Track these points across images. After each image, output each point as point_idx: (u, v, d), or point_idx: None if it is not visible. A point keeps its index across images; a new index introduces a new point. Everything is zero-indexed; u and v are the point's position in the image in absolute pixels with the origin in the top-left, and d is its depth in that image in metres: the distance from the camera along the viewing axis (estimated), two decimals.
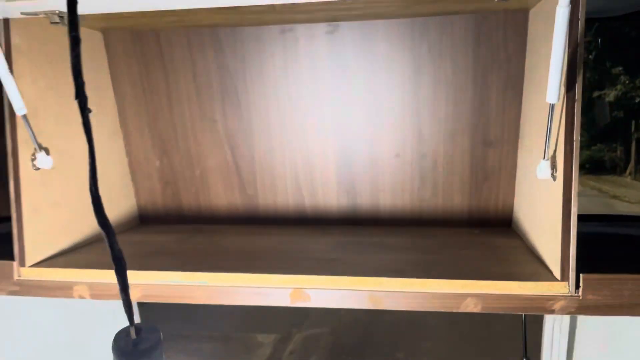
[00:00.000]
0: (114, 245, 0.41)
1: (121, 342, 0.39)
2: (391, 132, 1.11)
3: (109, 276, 0.87)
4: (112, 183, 1.17)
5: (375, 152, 1.13)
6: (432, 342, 4.31)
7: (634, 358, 1.19)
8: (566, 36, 0.68)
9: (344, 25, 1.05)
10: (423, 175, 1.13)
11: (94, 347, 1.41)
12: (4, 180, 0.93)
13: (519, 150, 1.07)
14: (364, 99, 1.10)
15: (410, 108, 1.09)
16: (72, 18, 0.37)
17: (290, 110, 1.13)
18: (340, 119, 1.12)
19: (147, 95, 1.17)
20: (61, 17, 0.86)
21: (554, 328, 1.22)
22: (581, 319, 1.22)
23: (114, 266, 0.42)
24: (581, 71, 0.74)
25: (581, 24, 0.72)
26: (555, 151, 0.78)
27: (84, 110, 0.39)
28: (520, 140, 1.06)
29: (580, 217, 0.76)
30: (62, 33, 0.96)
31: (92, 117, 1.28)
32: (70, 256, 0.97)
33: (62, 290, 0.89)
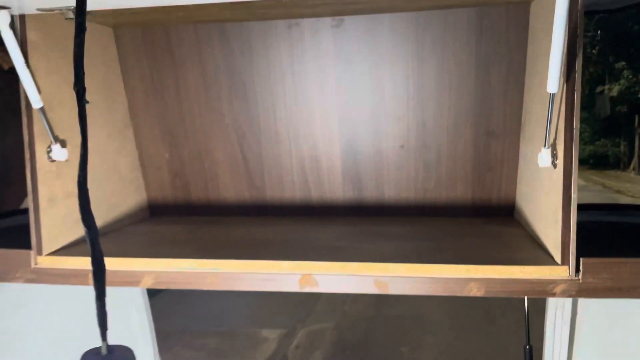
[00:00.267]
0: (95, 246, 0.38)
1: (90, 356, 0.34)
2: (395, 124, 1.13)
3: (123, 264, 0.90)
4: (123, 175, 1.20)
5: (380, 143, 1.16)
6: (435, 336, 4.34)
7: (634, 345, 1.21)
8: (566, 27, 0.70)
9: (349, 19, 1.08)
10: (427, 165, 1.15)
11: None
12: (19, 176, 0.97)
13: (521, 141, 1.09)
14: (369, 91, 1.12)
15: (414, 100, 1.11)
16: (80, 4, 0.36)
17: (297, 103, 1.15)
18: (346, 111, 1.15)
19: (156, 90, 1.20)
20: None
21: (556, 316, 1.25)
22: (582, 307, 1.24)
23: (92, 269, 0.38)
24: (580, 61, 0.76)
25: (580, 15, 0.74)
26: (555, 140, 0.81)
27: (81, 100, 0.39)
28: (522, 131, 1.08)
29: (581, 207, 0.78)
30: None
31: (103, 111, 1.32)
32: (85, 245, 1.00)
33: (78, 277, 0.92)
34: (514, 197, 1.14)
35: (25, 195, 0.93)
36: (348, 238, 1.01)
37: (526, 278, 0.79)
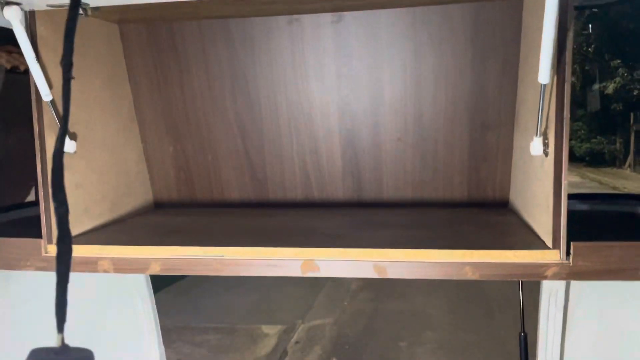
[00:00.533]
0: (63, 224, 0.36)
1: (40, 355, 0.34)
2: (393, 117, 1.17)
3: (131, 252, 0.93)
4: (129, 169, 1.23)
5: (378, 136, 1.19)
6: (434, 331, 4.38)
7: (625, 331, 1.25)
8: (556, 21, 0.73)
9: (348, 15, 1.11)
10: (424, 157, 1.18)
11: (109, 328, 1.47)
12: (18, 171, 0.99)
13: (515, 132, 1.12)
14: (368, 85, 1.16)
15: (411, 93, 1.14)
16: None
17: (297, 98, 1.19)
18: (345, 105, 1.18)
19: (161, 85, 1.23)
20: (84, 9, 0.92)
21: (550, 303, 1.28)
22: (574, 295, 1.28)
23: (56, 249, 0.37)
24: (570, 54, 0.79)
25: (570, 10, 0.78)
26: (546, 129, 0.84)
27: (67, 74, 0.38)
28: (516, 123, 1.12)
29: (573, 196, 0.81)
30: (85, 24, 1.02)
31: (109, 106, 1.35)
32: (93, 235, 1.04)
33: (88, 265, 0.95)
34: (509, 187, 1.17)
35: (24, 191, 0.96)
36: (348, 227, 1.04)
37: (519, 262, 0.82)
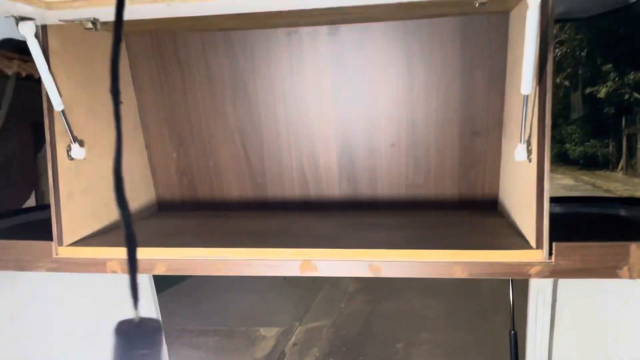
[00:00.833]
0: (128, 226, 0.41)
1: (124, 325, 0.41)
2: (387, 124, 1.22)
3: (139, 253, 0.98)
4: (133, 174, 1.28)
5: (373, 142, 1.24)
6: (430, 332, 4.43)
7: (610, 328, 1.30)
8: (537, 35, 0.79)
9: (344, 27, 1.17)
10: (416, 162, 1.24)
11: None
12: (19, 177, 1.03)
13: (503, 139, 1.18)
14: (363, 94, 1.21)
15: (404, 102, 1.20)
16: (118, 18, 0.42)
17: (295, 105, 1.24)
18: (341, 112, 1.23)
19: (164, 93, 1.28)
20: (94, 24, 0.97)
21: (538, 302, 1.34)
22: (562, 293, 1.33)
23: (126, 246, 0.42)
24: (551, 66, 0.85)
25: (550, 24, 0.83)
26: (530, 136, 0.90)
27: (116, 100, 0.42)
28: (503, 129, 1.18)
29: (558, 199, 0.87)
30: (93, 38, 1.07)
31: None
32: (102, 237, 1.08)
33: (96, 266, 1.00)
34: (497, 191, 1.23)
35: (26, 195, 1.00)
36: (344, 228, 1.09)
37: (505, 261, 0.87)
